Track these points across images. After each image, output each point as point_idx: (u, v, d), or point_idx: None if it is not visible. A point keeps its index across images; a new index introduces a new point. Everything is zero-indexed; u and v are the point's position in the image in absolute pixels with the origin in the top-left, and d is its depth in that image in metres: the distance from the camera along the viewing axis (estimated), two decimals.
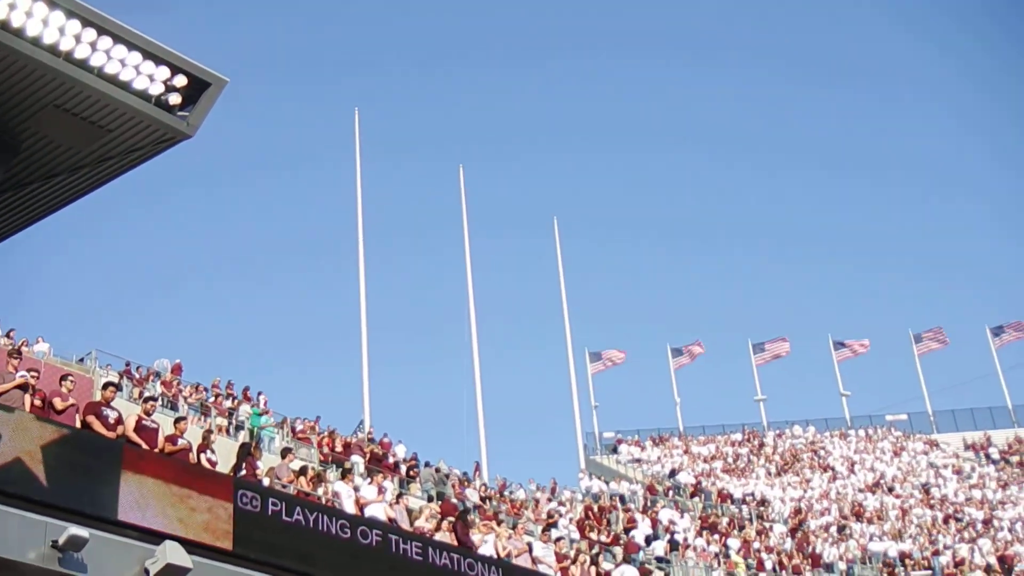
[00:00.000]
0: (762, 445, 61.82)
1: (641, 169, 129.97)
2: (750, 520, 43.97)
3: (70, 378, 16.12)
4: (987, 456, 60.61)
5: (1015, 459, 59.66)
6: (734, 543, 38.83)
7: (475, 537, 19.74)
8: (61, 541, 11.44)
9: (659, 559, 35.10)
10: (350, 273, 54.23)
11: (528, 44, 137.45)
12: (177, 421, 16.92)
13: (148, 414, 15.90)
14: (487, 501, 32.87)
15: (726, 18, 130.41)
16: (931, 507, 49.18)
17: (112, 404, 15.40)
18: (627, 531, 36.58)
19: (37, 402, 14.94)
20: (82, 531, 11.53)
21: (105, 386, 16.15)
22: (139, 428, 15.29)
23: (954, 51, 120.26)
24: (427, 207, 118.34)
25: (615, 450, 60.50)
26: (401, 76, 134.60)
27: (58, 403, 15.02)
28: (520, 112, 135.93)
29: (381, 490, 20.12)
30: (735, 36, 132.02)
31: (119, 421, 15.08)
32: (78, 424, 14.73)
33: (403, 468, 33.21)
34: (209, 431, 19.91)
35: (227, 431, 31.16)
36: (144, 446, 14.76)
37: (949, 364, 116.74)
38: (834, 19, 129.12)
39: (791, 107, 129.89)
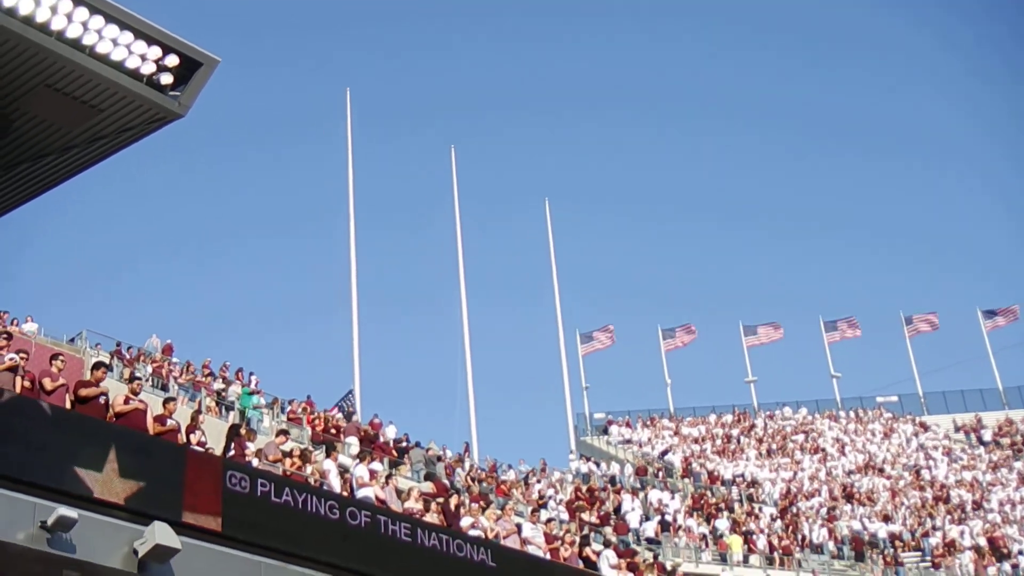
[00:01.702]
0: (752, 427, 61.90)
1: (633, 148, 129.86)
2: (740, 501, 44.10)
3: (60, 357, 16.00)
4: (978, 438, 60.76)
5: (1006, 441, 59.82)
6: (723, 524, 38.97)
7: (465, 521, 19.78)
8: (50, 522, 11.46)
9: (649, 540, 35.24)
10: (341, 251, 54.23)
11: (520, 21, 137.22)
12: (166, 402, 16.91)
13: (135, 394, 15.92)
14: (477, 482, 32.92)
15: None
16: (921, 489, 49.36)
17: (101, 384, 15.41)
18: (617, 511, 36.72)
19: (27, 383, 14.88)
20: (71, 511, 11.55)
21: (96, 366, 16.12)
22: (126, 407, 15.32)
23: (948, 31, 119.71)
24: (418, 186, 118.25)
25: (605, 431, 60.55)
26: (393, 54, 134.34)
27: (47, 383, 14.95)
28: (512, 89, 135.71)
29: (373, 474, 20.12)
30: (733, 12, 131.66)
31: (107, 402, 15.09)
32: (68, 404, 14.71)
33: (393, 449, 33.25)
34: (198, 411, 19.92)
35: (217, 411, 31.16)
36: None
37: (940, 345, 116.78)
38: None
39: (786, 83, 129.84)
